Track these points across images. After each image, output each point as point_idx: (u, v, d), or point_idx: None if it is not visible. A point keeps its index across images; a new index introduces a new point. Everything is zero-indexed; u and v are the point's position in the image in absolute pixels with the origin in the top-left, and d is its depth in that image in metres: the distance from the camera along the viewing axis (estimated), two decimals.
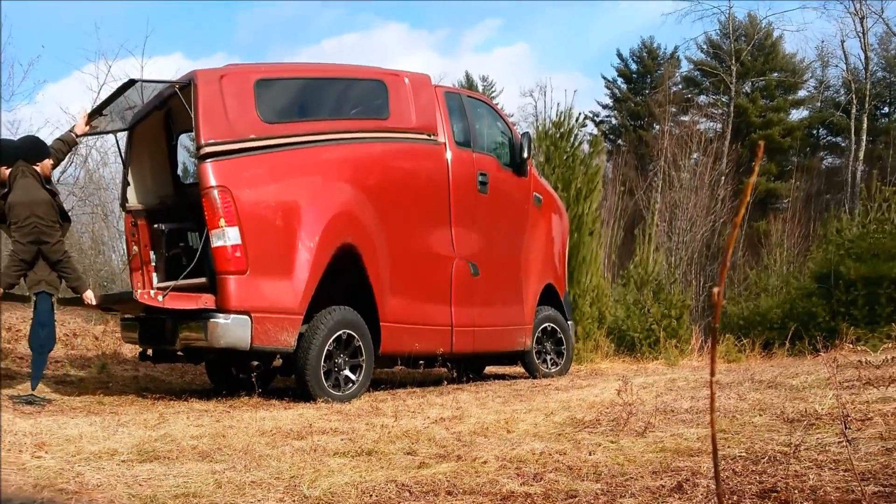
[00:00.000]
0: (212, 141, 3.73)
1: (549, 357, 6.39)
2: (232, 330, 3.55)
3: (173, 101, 4.19)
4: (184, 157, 5.19)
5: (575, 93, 20.96)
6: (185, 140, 5.20)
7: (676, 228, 17.54)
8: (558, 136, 8.88)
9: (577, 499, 2.05)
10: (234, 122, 3.85)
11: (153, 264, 4.49)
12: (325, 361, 4.03)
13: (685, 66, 27.53)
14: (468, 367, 6.77)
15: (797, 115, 25.12)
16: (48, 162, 3.78)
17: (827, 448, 2.18)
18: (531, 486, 2.27)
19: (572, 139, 9.04)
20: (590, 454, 2.63)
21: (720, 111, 24.93)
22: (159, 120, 4.67)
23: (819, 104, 24.84)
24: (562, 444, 2.89)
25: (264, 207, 3.74)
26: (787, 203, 21.09)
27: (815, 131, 25.22)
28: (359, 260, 4.07)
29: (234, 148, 3.79)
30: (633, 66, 29.52)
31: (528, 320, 5.25)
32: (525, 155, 4.80)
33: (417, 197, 4.49)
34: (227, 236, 3.59)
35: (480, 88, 28.49)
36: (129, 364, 6.00)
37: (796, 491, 1.74)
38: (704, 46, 26.22)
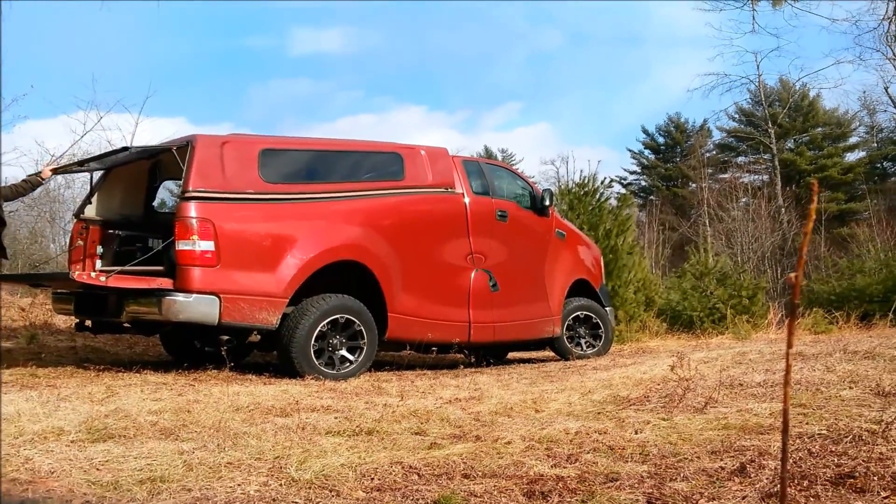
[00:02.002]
0: (200, 189, 4.26)
1: (583, 340, 7.30)
2: (194, 306, 4.07)
3: (165, 155, 4.79)
4: (164, 194, 6.11)
5: (599, 163, 24.03)
6: (170, 184, 6.05)
7: (737, 243, 20.92)
8: (582, 193, 10.88)
9: (618, 482, 2.18)
10: (230, 178, 4.42)
11: (98, 256, 5.09)
12: (316, 340, 4.58)
13: (717, 135, 31.42)
14: (489, 353, 7.34)
15: (853, 156, 28.88)
16: None
17: None
18: (564, 468, 2.41)
19: (598, 196, 10.97)
20: (636, 433, 2.78)
21: (764, 166, 28.77)
22: (144, 168, 5.41)
23: (875, 145, 28.29)
24: (602, 423, 3.03)
25: (250, 234, 4.42)
26: (868, 215, 25.02)
27: (878, 165, 28.83)
28: (368, 271, 5.02)
29: (225, 197, 4.35)
30: (661, 140, 33.72)
31: (555, 312, 6.72)
32: (546, 203, 6.61)
33: (435, 226, 5.83)
34: (196, 244, 4.13)
35: (500, 159, 33.99)
36: (63, 335, 6.34)
37: (875, 478, 1.85)
38: (736, 116, 29.68)
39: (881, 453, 2.08)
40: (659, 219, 25.21)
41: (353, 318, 4.76)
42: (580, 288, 7.17)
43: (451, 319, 5.89)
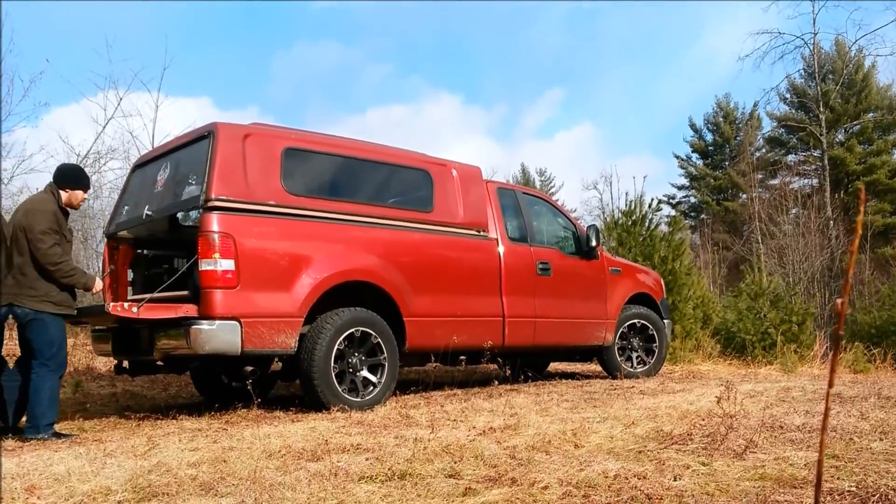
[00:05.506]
0: (223, 197, 4.35)
1: (635, 355, 7.29)
2: (218, 335, 4.13)
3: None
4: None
5: (645, 178, 24.13)
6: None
7: (789, 261, 21.30)
8: (630, 223, 11.05)
9: None
10: (253, 185, 4.54)
11: (129, 281, 5.25)
12: (336, 362, 4.67)
13: (767, 125, 31.26)
14: (527, 365, 7.36)
15: None
16: (79, 193, 4.56)
17: None
18: None
19: (647, 224, 11.11)
20: (675, 479, 2.84)
21: (813, 167, 28.53)
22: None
23: None
24: (642, 465, 3.11)
25: (269, 253, 4.53)
26: None
27: None
28: (380, 289, 5.11)
29: (248, 208, 4.45)
30: (709, 137, 33.73)
31: (611, 315, 6.88)
32: (593, 243, 6.69)
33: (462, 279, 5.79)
34: (218, 264, 4.23)
35: (538, 183, 34.30)
36: (104, 379, 6.57)
37: None
38: (787, 96, 29.45)
39: None
40: (712, 238, 25.66)
41: (369, 330, 4.86)
42: (641, 300, 7.36)
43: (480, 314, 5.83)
